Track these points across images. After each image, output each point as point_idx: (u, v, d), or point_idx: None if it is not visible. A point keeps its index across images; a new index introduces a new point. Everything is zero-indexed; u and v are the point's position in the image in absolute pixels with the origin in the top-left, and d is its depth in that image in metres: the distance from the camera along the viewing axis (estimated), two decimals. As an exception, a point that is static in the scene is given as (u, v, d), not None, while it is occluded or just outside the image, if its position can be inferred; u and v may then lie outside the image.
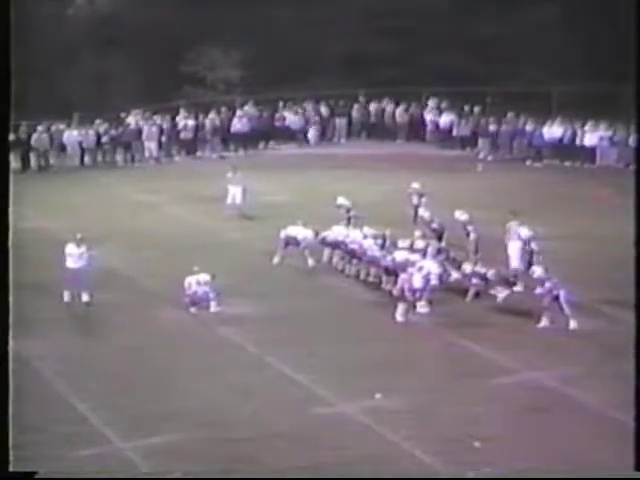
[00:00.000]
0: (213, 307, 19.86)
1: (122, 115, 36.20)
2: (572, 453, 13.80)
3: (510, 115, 35.48)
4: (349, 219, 23.56)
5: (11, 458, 11.37)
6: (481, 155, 35.46)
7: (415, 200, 25.34)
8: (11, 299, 11.60)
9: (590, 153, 33.93)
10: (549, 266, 19.39)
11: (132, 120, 35.80)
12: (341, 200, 24.26)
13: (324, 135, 38.62)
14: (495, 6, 38.92)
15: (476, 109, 36.77)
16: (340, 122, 38.72)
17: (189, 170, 34.08)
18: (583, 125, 34.18)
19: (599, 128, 33.82)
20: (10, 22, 11.37)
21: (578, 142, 34.18)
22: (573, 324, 18.72)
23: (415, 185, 25.78)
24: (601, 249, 23.26)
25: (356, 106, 38.78)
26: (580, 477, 12.79)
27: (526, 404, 15.52)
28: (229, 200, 27.26)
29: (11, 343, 11.65)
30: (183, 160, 36.04)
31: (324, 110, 38.65)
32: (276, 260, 22.83)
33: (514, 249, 21.45)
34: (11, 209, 11.75)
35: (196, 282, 19.83)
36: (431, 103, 37.95)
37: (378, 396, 15.76)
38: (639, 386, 12.19)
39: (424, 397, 15.77)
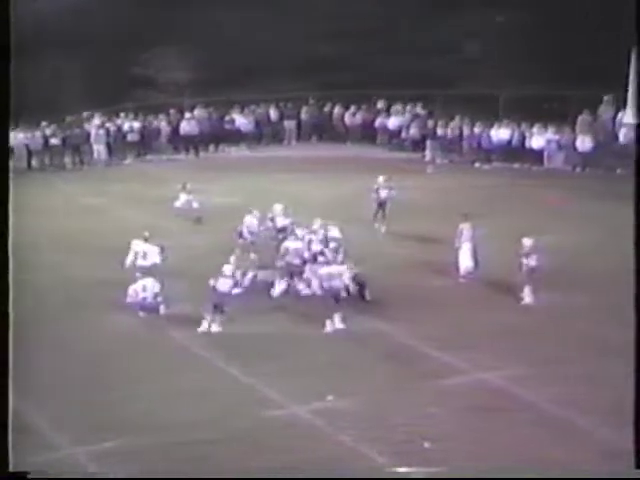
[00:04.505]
0: (162, 310, 19.76)
1: (69, 118, 35.93)
2: (525, 452, 13.90)
3: (458, 117, 35.66)
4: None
5: None
6: (430, 157, 35.62)
7: (383, 194, 25.25)
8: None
9: (538, 155, 34.19)
10: (508, 267, 19.45)
11: (84, 123, 35.64)
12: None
13: (274, 137, 38.64)
14: (446, 10, 39.13)
15: (424, 112, 36.94)
16: (289, 124, 38.73)
17: (138, 173, 33.90)
18: (531, 127, 34.45)
19: (546, 131, 34.11)
20: (10, 23, 11.23)
21: (526, 145, 34.46)
22: None
23: (381, 179, 25.68)
24: (552, 251, 23.42)
25: (305, 108, 38.83)
26: (579, 477, 12.83)
27: (476, 404, 15.57)
28: (178, 204, 27.16)
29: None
30: (133, 163, 35.88)
31: (273, 112, 38.65)
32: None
33: (466, 250, 21.60)
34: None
35: (142, 288, 19.73)
36: (380, 106, 38.10)
37: (330, 398, 15.78)
38: (639, 386, 12.28)
39: (375, 398, 15.81)
